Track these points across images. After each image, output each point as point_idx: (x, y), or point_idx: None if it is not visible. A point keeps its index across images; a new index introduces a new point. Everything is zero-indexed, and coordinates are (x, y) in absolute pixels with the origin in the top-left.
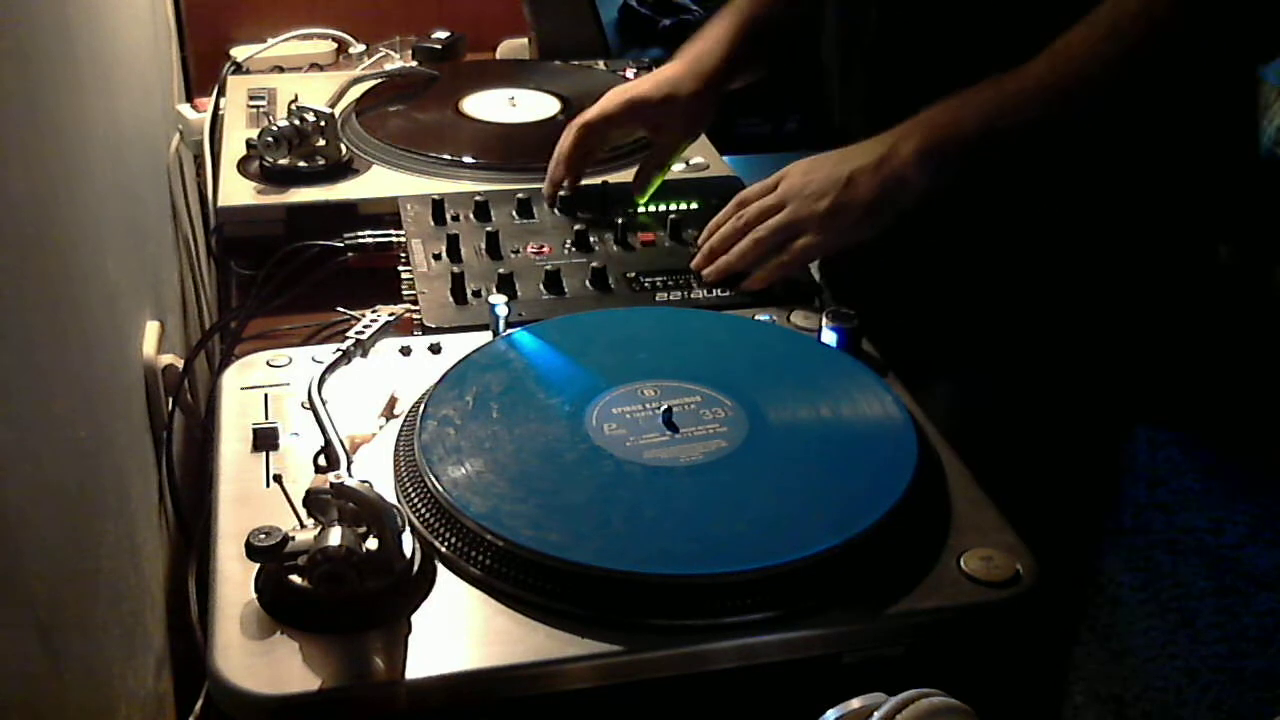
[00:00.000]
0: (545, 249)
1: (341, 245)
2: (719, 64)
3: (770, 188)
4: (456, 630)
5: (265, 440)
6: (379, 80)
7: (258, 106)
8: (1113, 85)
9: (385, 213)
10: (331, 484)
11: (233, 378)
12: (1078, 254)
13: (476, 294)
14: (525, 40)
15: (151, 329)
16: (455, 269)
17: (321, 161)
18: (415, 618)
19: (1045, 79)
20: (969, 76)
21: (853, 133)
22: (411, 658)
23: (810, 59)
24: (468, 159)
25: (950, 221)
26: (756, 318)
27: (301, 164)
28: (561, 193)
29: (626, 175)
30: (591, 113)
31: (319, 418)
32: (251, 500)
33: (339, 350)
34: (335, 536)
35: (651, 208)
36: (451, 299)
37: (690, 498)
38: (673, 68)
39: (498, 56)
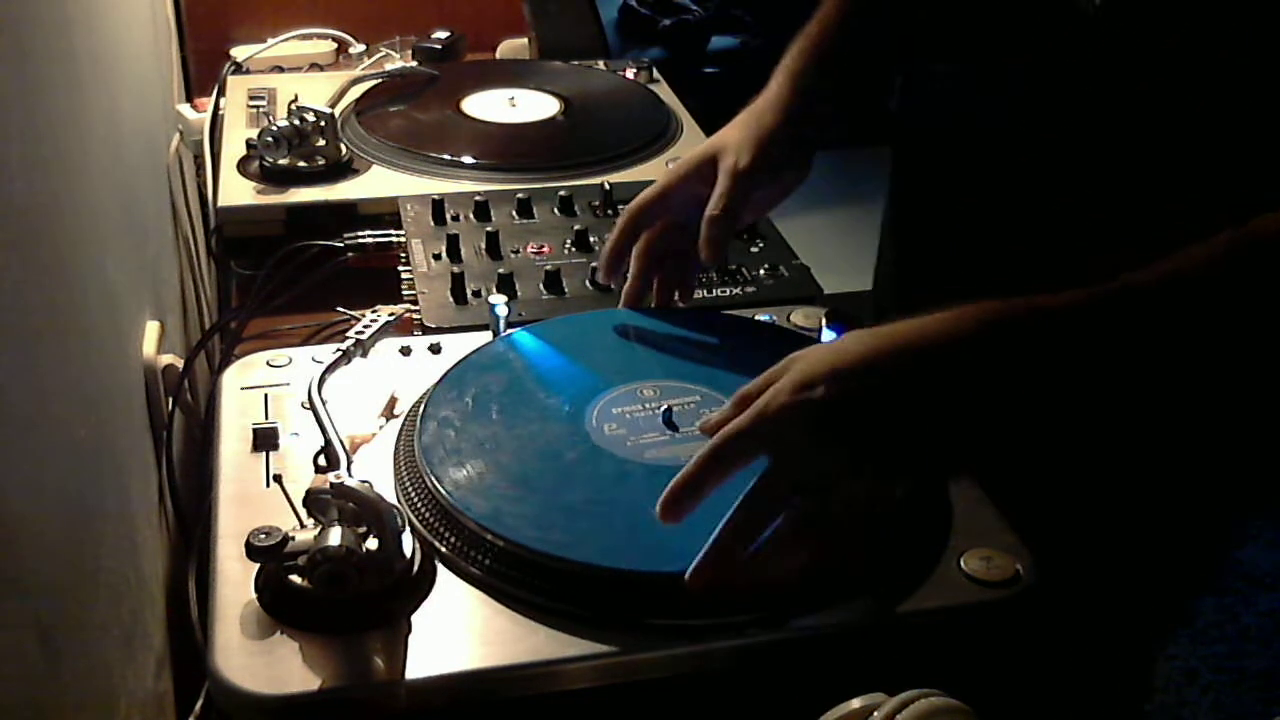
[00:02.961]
0: (545, 249)
1: (341, 245)
2: (789, 91)
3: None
4: (456, 630)
5: (265, 440)
6: (379, 80)
7: (258, 106)
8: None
9: (385, 213)
10: (331, 484)
11: (233, 378)
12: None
13: (476, 294)
14: (525, 40)
15: (151, 329)
16: (455, 269)
17: (321, 161)
18: (415, 618)
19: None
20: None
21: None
22: (411, 658)
23: None
24: (468, 159)
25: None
26: (756, 318)
27: (301, 164)
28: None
29: (627, 175)
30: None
31: (319, 418)
32: (251, 500)
33: (339, 350)
34: (335, 536)
35: None
36: (451, 299)
37: None
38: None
39: (498, 56)
